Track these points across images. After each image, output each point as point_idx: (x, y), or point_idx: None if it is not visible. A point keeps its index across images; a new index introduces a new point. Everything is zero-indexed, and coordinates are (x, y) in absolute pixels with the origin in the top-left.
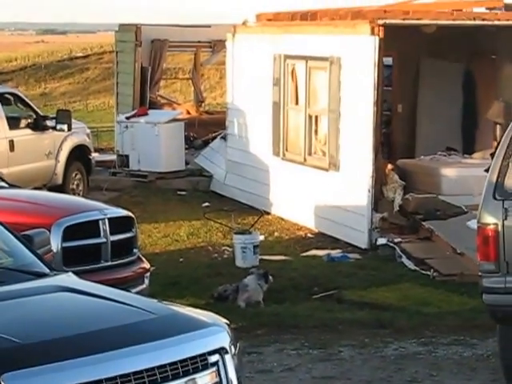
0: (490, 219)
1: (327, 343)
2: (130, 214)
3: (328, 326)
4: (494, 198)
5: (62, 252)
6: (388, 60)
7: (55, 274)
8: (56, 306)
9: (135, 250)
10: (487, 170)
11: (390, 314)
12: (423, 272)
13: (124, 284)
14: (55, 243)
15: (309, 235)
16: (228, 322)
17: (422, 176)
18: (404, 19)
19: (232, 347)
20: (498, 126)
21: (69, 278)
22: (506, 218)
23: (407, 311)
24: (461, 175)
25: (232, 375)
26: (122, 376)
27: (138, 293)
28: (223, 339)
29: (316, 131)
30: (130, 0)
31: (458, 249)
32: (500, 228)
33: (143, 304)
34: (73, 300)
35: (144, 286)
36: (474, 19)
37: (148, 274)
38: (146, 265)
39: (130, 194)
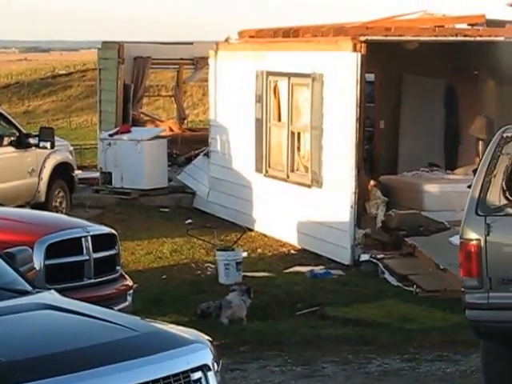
0: (472, 235)
1: (310, 360)
2: (113, 231)
3: (311, 342)
4: (477, 214)
5: (45, 269)
6: (370, 76)
7: (37, 292)
8: (38, 324)
9: (118, 268)
10: (470, 186)
11: (373, 330)
12: (406, 288)
13: (107, 301)
14: (38, 261)
15: (292, 252)
16: (211, 339)
17: (405, 192)
18: (386, 36)
19: (215, 364)
20: (480, 141)
21: (51, 296)
22: (488, 234)
23: (390, 327)
24: (443, 191)
25: None
26: None
27: (120, 310)
28: (206, 356)
29: (299, 148)
30: (113, 18)
31: (441, 265)
32: (483, 244)
33: (125, 321)
34: (55, 318)
35: (127, 303)
36: (456, 35)
37: (131, 291)
38: (129, 282)
39: (113, 211)
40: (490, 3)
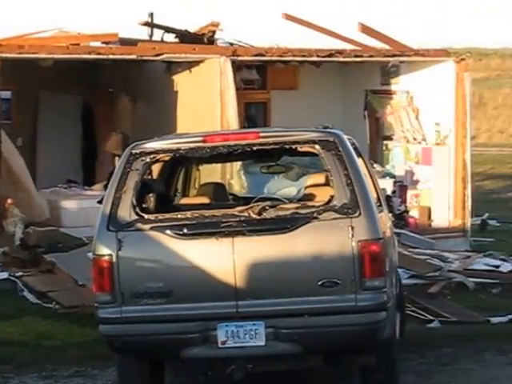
0: (104, 250)
1: None
2: None
3: None
4: (108, 230)
5: None
6: (7, 94)
7: None
8: None
9: None
10: (100, 202)
11: (11, 349)
12: (46, 305)
13: None
14: None
15: None
16: None
17: None
18: (20, 53)
19: None
20: (116, 157)
21: None
22: (120, 249)
23: (29, 345)
24: (81, 207)
25: None
26: None
27: None
28: None
29: None
30: None
31: (80, 280)
32: (114, 259)
33: None
34: None
35: None
36: (90, 53)
37: None
38: None
39: None
40: (123, 22)
